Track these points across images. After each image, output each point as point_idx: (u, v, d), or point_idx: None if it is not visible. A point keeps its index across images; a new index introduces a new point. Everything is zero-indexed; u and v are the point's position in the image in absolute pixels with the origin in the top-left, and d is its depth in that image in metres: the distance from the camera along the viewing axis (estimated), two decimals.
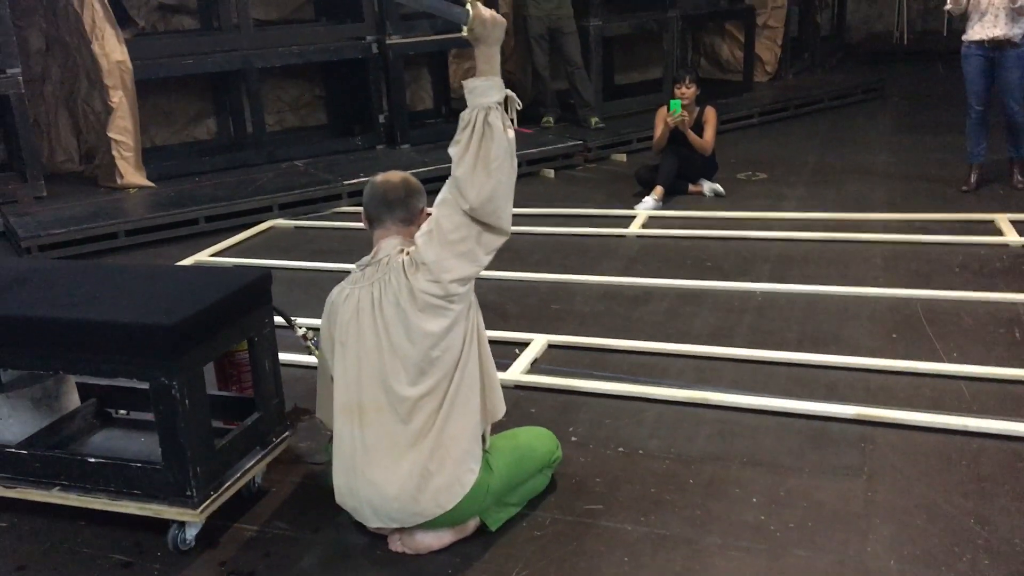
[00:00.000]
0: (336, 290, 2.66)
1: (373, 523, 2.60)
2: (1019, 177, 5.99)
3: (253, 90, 6.99)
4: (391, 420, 2.50)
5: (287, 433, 3.05)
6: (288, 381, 3.25)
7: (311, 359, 3.02)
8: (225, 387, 3.23)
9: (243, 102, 7.27)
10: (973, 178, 6.01)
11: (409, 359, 2.47)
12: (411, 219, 2.63)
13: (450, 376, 2.51)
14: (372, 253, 2.63)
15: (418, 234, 2.51)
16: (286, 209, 6.24)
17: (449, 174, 2.49)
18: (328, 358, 2.68)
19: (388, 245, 2.59)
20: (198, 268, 4.65)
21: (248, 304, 2.81)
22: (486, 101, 2.42)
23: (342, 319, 2.57)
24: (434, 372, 2.49)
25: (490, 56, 2.45)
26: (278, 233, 6.01)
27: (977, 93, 5.86)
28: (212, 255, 5.48)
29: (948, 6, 5.85)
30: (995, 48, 5.67)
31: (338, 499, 2.64)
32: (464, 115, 2.45)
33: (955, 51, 5.91)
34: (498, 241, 2.54)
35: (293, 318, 3.28)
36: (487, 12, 2.42)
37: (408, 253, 2.51)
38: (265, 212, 6.16)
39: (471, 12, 2.38)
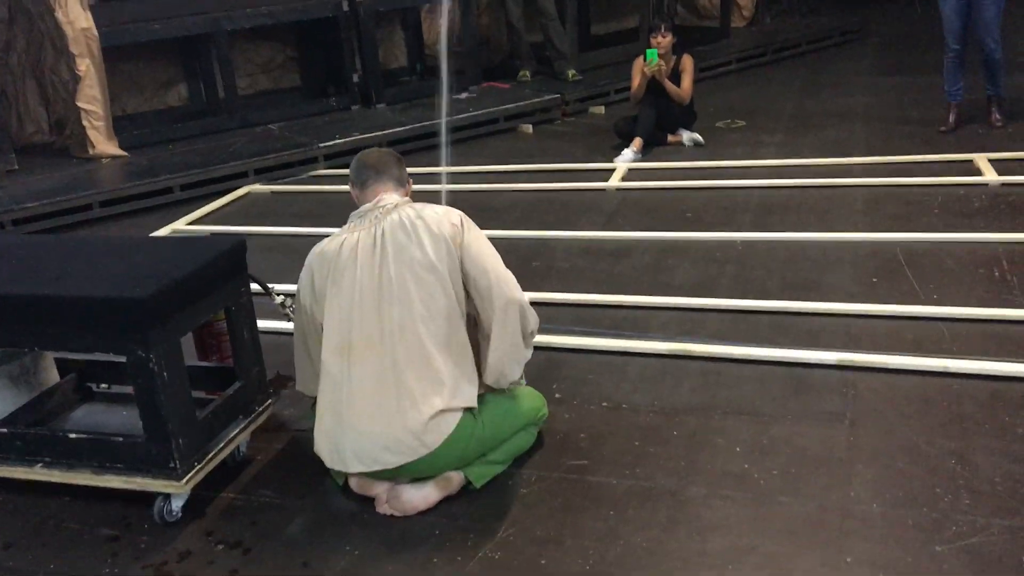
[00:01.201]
0: (325, 241, 2.68)
1: (355, 467, 2.57)
2: (997, 115, 5.97)
3: (223, 53, 6.87)
4: (379, 355, 2.51)
5: (270, 401, 3.04)
6: (269, 349, 3.23)
7: (291, 326, 3.00)
8: (205, 357, 3.21)
9: (214, 66, 7.14)
10: (952, 118, 6.00)
11: (419, 276, 2.52)
12: (403, 181, 2.74)
13: (445, 310, 2.52)
14: (373, 203, 2.65)
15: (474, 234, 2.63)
16: (262, 174, 6.17)
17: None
18: (311, 314, 2.67)
19: (389, 197, 2.66)
20: (172, 238, 4.59)
21: (224, 273, 2.78)
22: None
23: (337, 263, 2.58)
24: (436, 297, 2.52)
25: None
26: (255, 199, 5.94)
27: (954, 32, 5.82)
28: (188, 224, 5.42)
29: None
30: None
31: (317, 447, 2.63)
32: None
33: None
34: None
35: (271, 285, 3.25)
36: None
37: (457, 213, 2.63)
38: (241, 178, 6.08)
39: None
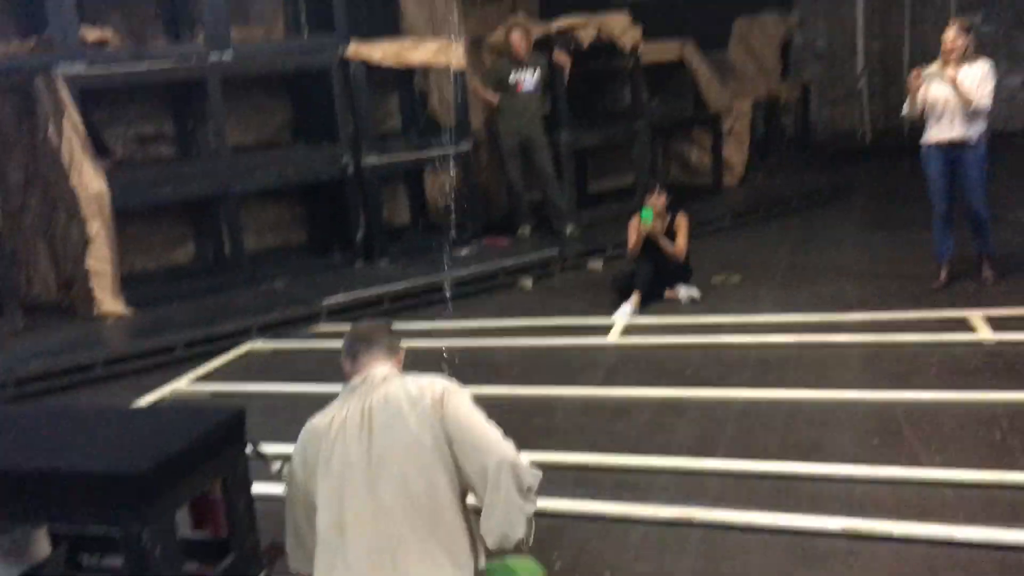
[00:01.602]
0: (317, 416, 2.68)
1: None
2: (989, 271, 6.08)
3: (231, 214, 7.08)
4: (373, 534, 2.46)
5: (264, 573, 2.97)
6: (262, 516, 3.18)
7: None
8: (199, 527, 3.15)
9: (221, 226, 7.34)
10: (943, 275, 6.10)
11: (406, 454, 2.48)
12: (394, 351, 2.76)
13: (437, 488, 2.49)
14: (362, 377, 2.67)
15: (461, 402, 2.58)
16: (265, 331, 6.24)
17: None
18: (304, 490, 2.64)
19: (380, 369, 2.68)
20: (169, 408, 4.61)
21: (220, 444, 2.77)
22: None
23: (327, 439, 2.57)
24: (424, 474, 2.48)
25: None
26: (256, 356, 5.99)
27: (939, 193, 5.99)
28: (191, 382, 5.44)
29: (905, 111, 6.06)
30: (953, 149, 5.83)
31: None
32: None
33: (917, 147, 6.08)
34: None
35: (268, 449, 3.23)
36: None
37: (441, 385, 2.59)
38: (244, 335, 6.15)
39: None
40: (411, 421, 2.52)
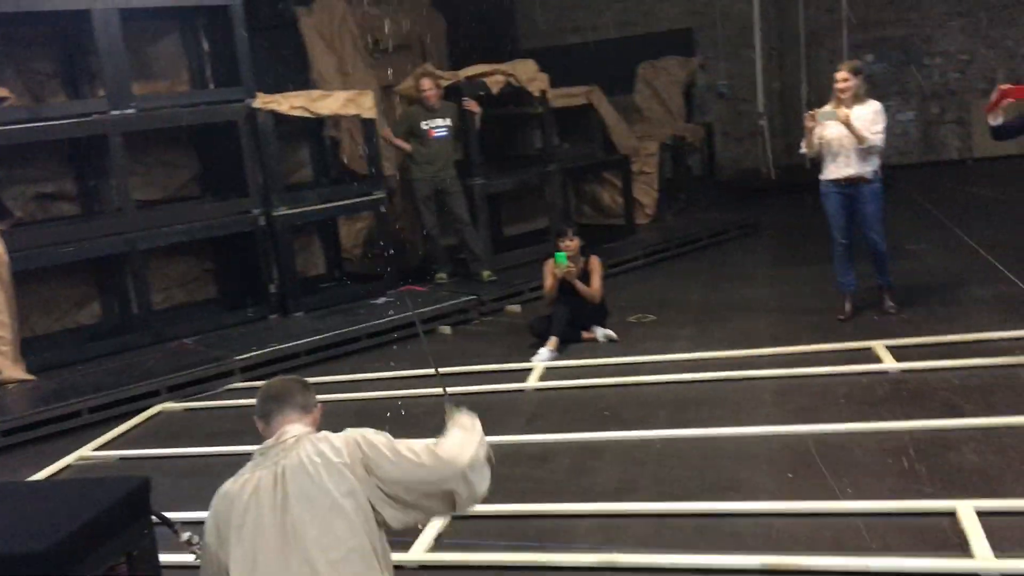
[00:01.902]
0: (229, 482, 2.59)
1: None
2: (889, 303, 6.31)
3: (138, 271, 6.89)
4: None
5: None
6: None
7: (197, 561, 2.86)
8: None
9: (127, 283, 7.14)
10: (847, 307, 6.30)
11: (325, 516, 2.42)
12: (308, 408, 2.69)
13: (355, 553, 2.43)
14: (276, 437, 2.60)
15: (387, 446, 2.54)
16: (176, 391, 6.05)
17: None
18: (217, 559, 2.56)
19: (293, 429, 2.60)
20: (70, 481, 4.42)
21: (125, 517, 2.66)
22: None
23: (239, 506, 2.48)
24: (342, 541, 2.42)
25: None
26: (167, 418, 5.80)
27: (840, 227, 6.21)
28: (95, 449, 5.23)
29: (803, 149, 6.29)
30: (850, 185, 6.07)
31: None
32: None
33: (819, 182, 6.30)
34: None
35: (176, 518, 3.11)
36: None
37: (354, 440, 2.53)
38: (153, 397, 5.95)
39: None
40: (329, 485, 2.46)
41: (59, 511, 2.58)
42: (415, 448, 2.55)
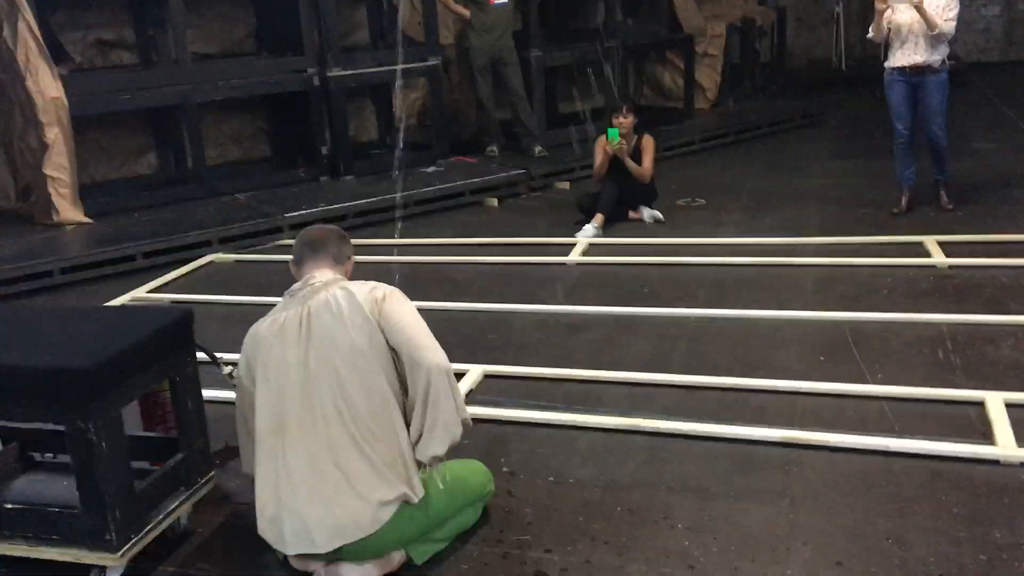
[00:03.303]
0: (260, 321, 2.69)
1: (294, 548, 2.55)
2: (946, 198, 6.16)
3: (193, 125, 6.96)
4: (313, 438, 2.51)
5: (212, 473, 3.02)
6: (218, 419, 3.22)
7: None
8: (151, 427, 3.19)
9: (183, 136, 7.23)
10: (904, 201, 6.16)
11: (346, 358, 2.51)
12: (341, 259, 2.76)
13: (375, 393, 2.52)
14: (304, 280, 2.68)
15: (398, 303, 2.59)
16: (227, 243, 6.20)
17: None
18: (250, 394, 2.68)
19: (321, 275, 2.67)
20: (118, 308, 4.59)
21: (168, 345, 2.79)
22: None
23: (266, 344, 2.59)
24: (362, 379, 2.52)
25: None
26: (218, 268, 5.97)
27: (902, 118, 6.03)
28: (149, 292, 5.42)
29: (870, 34, 6.06)
30: (916, 73, 5.86)
31: (260, 528, 2.61)
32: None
33: None
34: None
35: (222, 356, 3.25)
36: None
37: (382, 292, 2.60)
38: (205, 247, 6.11)
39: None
40: (349, 325, 2.53)
41: (107, 333, 2.71)
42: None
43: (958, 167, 6.87)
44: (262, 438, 2.58)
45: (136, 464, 2.76)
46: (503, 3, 7.73)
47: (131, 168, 7.54)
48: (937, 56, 5.80)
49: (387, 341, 2.54)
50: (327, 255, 2.72)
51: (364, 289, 2.61)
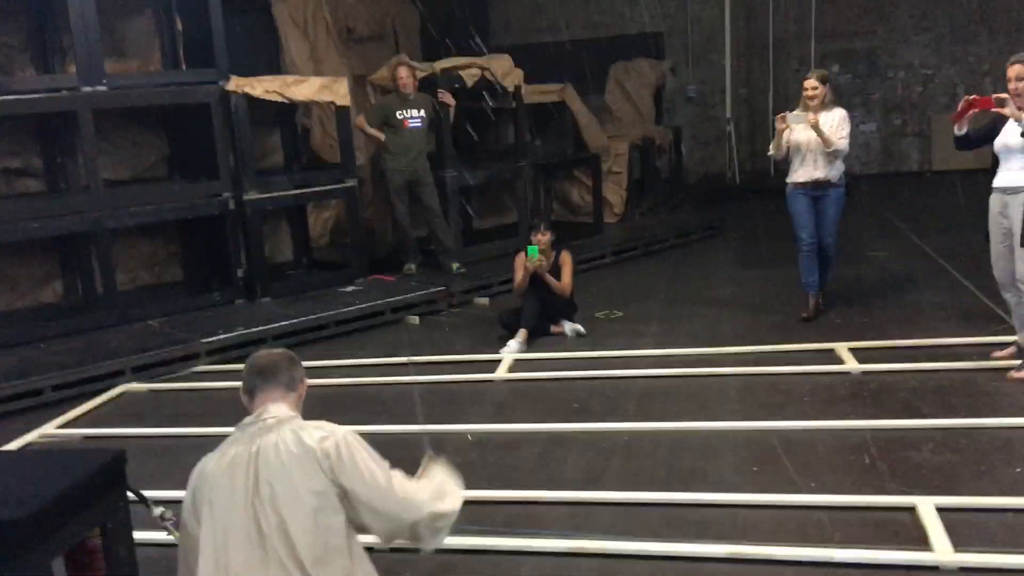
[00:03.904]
0: (207, 457, 2.59)
1: None
2: (821, 302, 6.57)
3: (103, 251, 6.79)
4: None
5: None
6: (144, 562, 3.05)
7: (171, 538, 2.86)
8: None
9: (92, 263, 7.04)
10: (812, 305, 6.47)
11: (291, 503, 2.42)
12: (293, 386, 2.69)
13: (321, 537, 2.44)
14: (256, 414, 2.60)
15: (364, 462, 2.51)
16: (140, 372, 5.99)
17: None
18: (195, 536, 2.55)
19: (276, 408, 2.60)
20: (44, 452, 4.36)
21: (100, 489, 2.64)
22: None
23: (212, 479, 2.49)
24: (308, 527, 2.42)
25: None
26: (132, 399, 5.74)
27: (806, 227, 6.38)
28: (59, 427, 5.17)
29: (771, 152, 6.47)
30: (817, 188, 6.27)
31: None
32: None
33: (783, 187, 6.50)
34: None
35: (148, 494, 3.10)
36: None
37: (335, 443, 2.49)
38: (117, 376, 5.88)
39: None
40: (297, 474, 2.45)
41: (34, 480, 2.56)
42: (394, 480, 2.53)
43: (856, 274, 7.25)
44: None
45: None
46: (418, 126, 7.92)
47: (36, 296, 7.26)
48: (835, 172, 6.25)
49: (346, 494, 2.47)
50: (278, 384, 2.64)
51: (315, 437, 2.50)
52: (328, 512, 2.45)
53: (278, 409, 2.59)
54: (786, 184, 6.44)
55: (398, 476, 2.56)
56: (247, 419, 2.62)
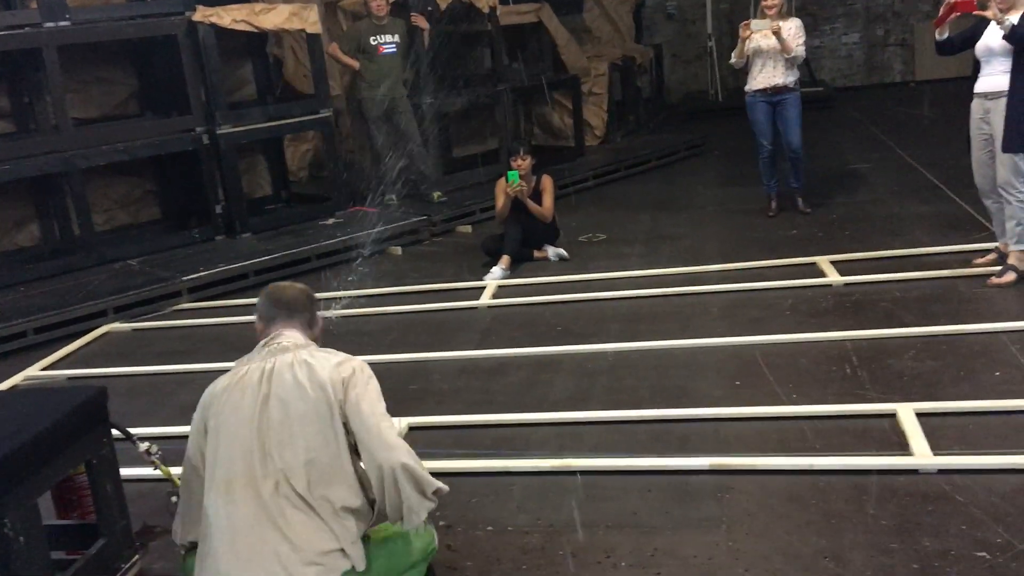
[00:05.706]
0: (218, 379, 2.58)
1: None
2: (802, 203, 6.96)
3: (78, 191, 6.69)
4: (258, 497, 2.41)
5: (137, 556, 2.87)
6: (134, 498, 3.08)
7: (157, 472, 2.88)
8: (65, 515, 3.02)
9: (68, 204, 6.94)
10: (773, 204, 6.98)
11: (301, 420, 2.44)
12: (312, 324, 2.71)
13: (326, 460, 2.45)
14: (271, 337, 2.60)
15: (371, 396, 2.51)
16: (122, 312, 5.96)
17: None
18: (197, 454, 2.56)
19: (292, 335, 2.61)
20: (25, 391, 4.35)
21: (83, 426, 2.65)
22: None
23: (222, 395, 2.50)
24: (317, 442, 2.44)
25: None
26: (115, 338, 5.72)
27: (765, 134, 6.87)
28: (43, 369, 5.15)
29: (733, 59, 6.89)
30: (776, 93, 6.70)
31: None
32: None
33: None
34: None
35: (134, 431, 3.10)
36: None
37: (341, 370, 2.49)
38: (100, 317, 5.86)
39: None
40: (309, 394, 2.46)
41: (16, 419, 2.56)
42: (383, 422, 2.50)
43: (838, 186, 7.23)
44: (208, 496, 2.46)
45: (53, 555, 2.60)
46: (392, 52, 7.76)
47: (13, 240, 7.18)
48: (791, 78, 6.72)
49: (347, 425, 2.48)
50: (301, 320, 2.65)
51: (330, 363, 2.51)
52: (334, 434, 2.47)
53: (294, 336, 2.58)
54: (745, 93, 6.85)
55: (389, 421, 2.55)
56: (263, 340, 2.60)
